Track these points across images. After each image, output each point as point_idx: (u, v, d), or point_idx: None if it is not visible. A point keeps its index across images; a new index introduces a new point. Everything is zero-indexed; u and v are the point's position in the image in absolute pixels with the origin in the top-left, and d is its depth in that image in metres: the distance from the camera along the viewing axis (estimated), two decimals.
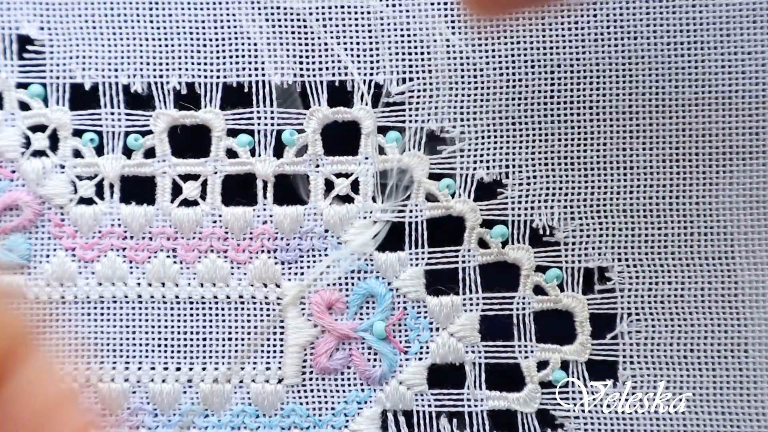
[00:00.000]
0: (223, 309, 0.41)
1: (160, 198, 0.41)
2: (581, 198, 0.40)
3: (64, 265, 0.41)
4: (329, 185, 0.40)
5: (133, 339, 0.41)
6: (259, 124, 0.41)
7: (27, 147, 0.41)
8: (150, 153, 0.41)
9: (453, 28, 0.40)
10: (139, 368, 0.40)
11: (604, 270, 0.40)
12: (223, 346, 0.41)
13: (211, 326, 0.41)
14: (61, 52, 0.41)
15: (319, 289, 0.40)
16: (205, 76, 0.40)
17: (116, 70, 0.41)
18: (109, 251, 0.41)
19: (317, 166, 0.40)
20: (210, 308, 0.41)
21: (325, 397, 0.40)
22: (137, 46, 0.41)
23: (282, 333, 0.40)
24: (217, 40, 0.40)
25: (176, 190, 0.41)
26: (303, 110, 0.40)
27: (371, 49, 0.40)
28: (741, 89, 0.39)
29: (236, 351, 0.40)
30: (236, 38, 0.40)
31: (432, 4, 0.40)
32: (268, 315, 0.41)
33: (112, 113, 0.41)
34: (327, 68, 0.40)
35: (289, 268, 0.40)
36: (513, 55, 0.40)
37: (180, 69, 0.40)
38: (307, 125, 0.40)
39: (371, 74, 0.40)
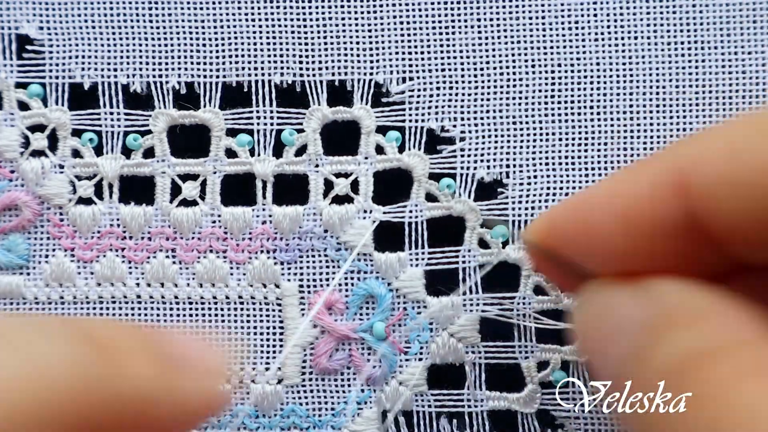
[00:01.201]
0: (222, 309, 0.41)
1: (159, 198, 0.41)
2: None
3: (63, 266, 0.41)
4: (328, 185, 0.40)
5: None
6: (258, 124, 0.41)
7: (26, 147, 0.41)
8: (149, 153, 0.41)
9: (453, 27, 0.40)
10: None
11: None
12: (223, 346, 0.40)
13: (210, 326, 0.41)
14: (61, 51, 0.41)
15: (319, 290, 0.40)
16: (205, 76, 0.40)
17: (115, 70, 0.41)
18: (108, 251, 0.41)
19: (317, 165, 0.40)
20: (209, 308, 0.41)
21: (325, 397, 0.40)
22: (136, 45, 0.40)
23: (282, 333, 0.40)
24: (216, 39, 0.40)
25: (175, 190, 0.41)
26: (302, 110, 0.40)
27: (371, 48, 0.40)
28: (742, 89, 0.39)
29: (236, 351, 0.40)
30: (236, 38, 0.40)
31: (433, 1, 0.40)
32: (267, 315, 0.41)
33: (111, 113, 0.41)
34: (327, 67, 0.40)
35: (289, 269, 0.40)
36: (513, 55, 0.40)
37: (179, 69, 0.40)
38: (306, 124, 0.40)
39: (371, 73, 0.40)
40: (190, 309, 0.41)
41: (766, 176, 0.26)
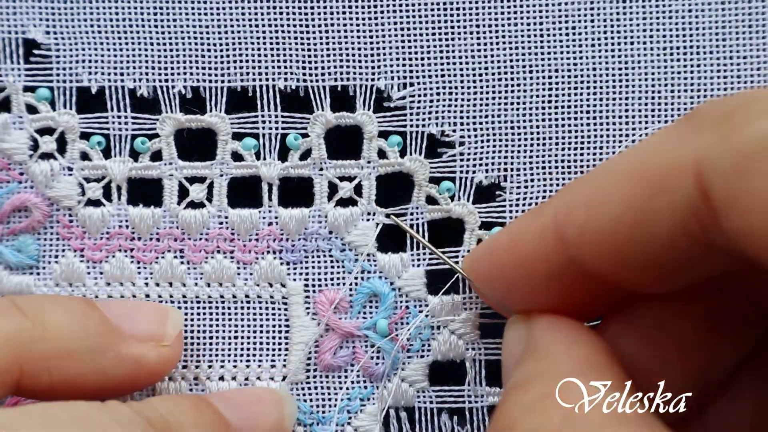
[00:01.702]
0: (229, 308, 0.41)
1: (167, 200, 0.41)
2: None
3: (73, 266, 0.42)
4: (332, 188, 0.41)
5: None
6: (263, 128, 0.41)
7: (35, 150, 0.42)
8: (157, 156, 0.41)
9: (452, 34, 0.40)
10: None
11: None
12: (230, 344, 0.41)
13: (217, 325, 0.41)
14: (67, 56, 0.41)
15: (324, 289, 0.41)
16: (210, 81, 0.41)
17: (122, 74, 0.41)
18: (117, 252, 0.42)
19: (321, 169, 0.41)
20: (217, 307, 0.41)
21: (329, 393, 0.41)
22: (142, 50, 0.41)
23: (287, 331, 0.41)
24: (221, 45, 0.41)
25: (183, 193, 0.42)
26: (307, 115, 0.41)
27: (372, 55, 0.40)
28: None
29: (242, 349, 0.41)
30: (240, 43, 0.41)
31: (433, 9, 0.40)
32: (273, 314, 0.41)
33: (119, 116, 0.41)
34: (329, 73, 0.41)
35: (294, 269, 0.41)
36: (511, 60, 0.40)
37: (185, 73, 0.41)
38: (311, 130, 0.41)
39: (373, 79, 0.41)
40: (198, 308, 0.41)
41: (618, 226, 0.28)
